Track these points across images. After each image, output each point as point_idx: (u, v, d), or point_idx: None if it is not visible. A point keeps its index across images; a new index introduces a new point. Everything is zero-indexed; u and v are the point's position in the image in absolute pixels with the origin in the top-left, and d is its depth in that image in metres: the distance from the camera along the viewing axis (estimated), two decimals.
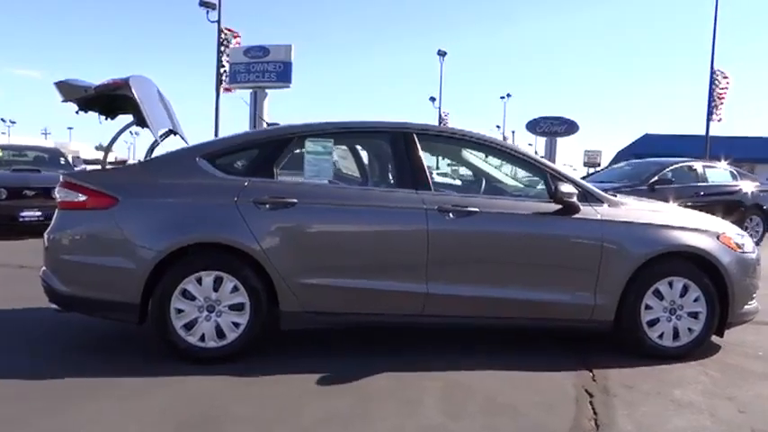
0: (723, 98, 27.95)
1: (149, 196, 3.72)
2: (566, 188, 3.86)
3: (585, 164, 39.37)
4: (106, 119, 4.64)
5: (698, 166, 11.27)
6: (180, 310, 3.67)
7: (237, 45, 22.79)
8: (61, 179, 3.84)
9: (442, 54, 44.63)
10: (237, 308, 3.71)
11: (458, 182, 4.22)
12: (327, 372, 3.61)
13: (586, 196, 4.02)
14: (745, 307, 4.20)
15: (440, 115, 44.82)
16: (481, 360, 3.90)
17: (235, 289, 3.70)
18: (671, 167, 10.78)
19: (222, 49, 22.94)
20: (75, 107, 4.30)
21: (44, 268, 3.84)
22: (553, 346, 4.26)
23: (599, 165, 36.08)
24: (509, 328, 4.13)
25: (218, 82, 22.88)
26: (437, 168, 7.39)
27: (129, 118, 4.39)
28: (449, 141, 4.24)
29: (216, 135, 23.17)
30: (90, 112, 4.33)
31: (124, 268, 3.64)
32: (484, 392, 3.41)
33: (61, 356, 3.81)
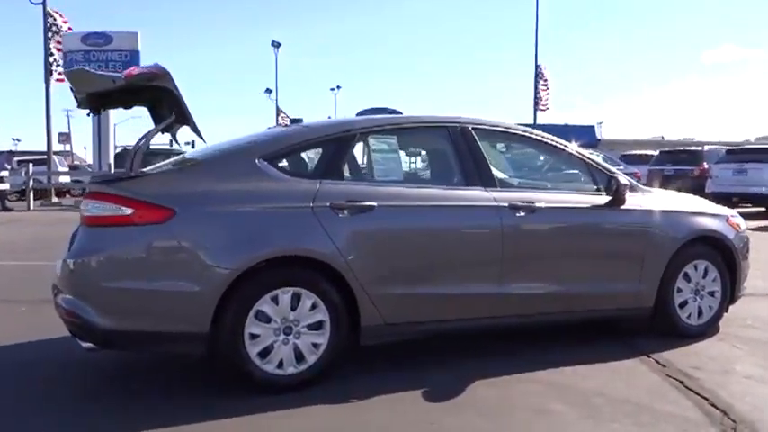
0: (547, 89, 30.71)
1: (212, 205, 3.15)
2: (623, 180, 3.95)
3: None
4: (92, 114, 3.89)
5: None
6: (254, 335, 3.17)
7: (70, 30, 20.34)
8: (89, 190, 3.13)
9: (276, 45, 43.91)
10: (316, 327, 3.30)
11: (513, 177, 4.09)
12: (426, 385, 3.34)
13: (632, 187, 4.15)
14: (744, 282, 4.64)
15: (277, 108, 44.04)
16: (550, 357, 3.86)
17: (313, 306, 3.28)
18: None
19: (50, 35, 20.35)
20: (82, 105, 3.54)
21: (67, 297, 3.11)
22: (599, 337, 4.33)
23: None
24: (565, 323, 4.13)
25: (48, 72, 20.27)
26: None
27: (122, 113, 3.69)
28: (500, 136, 4.11)
29: (48, 130, 20.60)
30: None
31: (188, 292, 3.05)
32: (589, 390, 3.37)
33: (117, 402, 3.13)
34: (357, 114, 3.96)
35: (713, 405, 3.19)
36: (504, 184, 3.83)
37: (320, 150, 3.52)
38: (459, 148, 3.76)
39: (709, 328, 4.42)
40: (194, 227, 3.08)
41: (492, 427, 2.92)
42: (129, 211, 3.02)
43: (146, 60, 18.73)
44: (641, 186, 4.34)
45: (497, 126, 4.00)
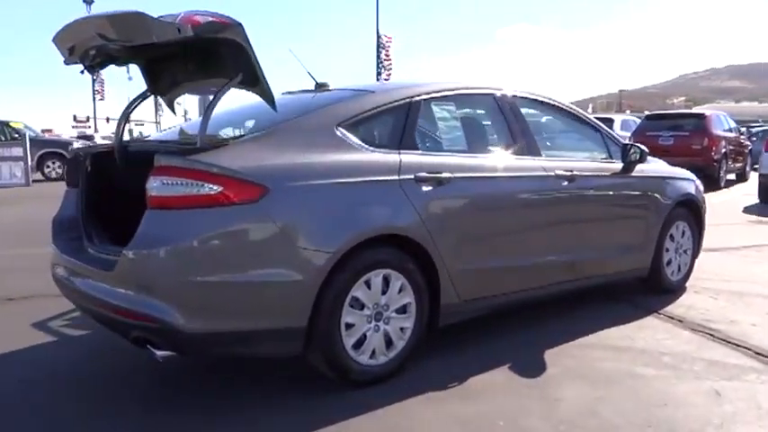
0: (389, 58, 31.25)
1: (303, 179, 2.71)
2: (640, 148, 4.13)
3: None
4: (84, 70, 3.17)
5: None
6: (350, 325, 2.85)
7: None
8: (159, 163, 2.53)
9: (88, 2, 39.63)
10: (402, 310, 3.05)
11: (548, 146, 4.04)
12: (511, 365, 3.24)
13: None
14: None
15: (93, 80, 39.92)
16: (578, 327, 3.93)
17: (401, 288, 3.02)
18: None
19: None
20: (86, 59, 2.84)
21: (131, 297, 2.52)
22: (602, 300, 4.51)
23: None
24: (586, 289, 4.22)
25: None
26: None
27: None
28: (532, 104, 4.03)
29: None
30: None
31: (288, 281, 2.63)
32: (646, 349, 3.51)
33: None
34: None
35: (759, 353, 3.49)
36: (545, 153, 3.79)
37: (390, 117, 3.20)
38: (507, 117, 3.66)
39: (684, 283, 4.85)
40: (290, 205, 2.65)
41: (596, 395, 2.92)
42: (216, 188, 2.51)
43: None
44: None
45: (530, 95, 3.93)
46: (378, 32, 30.58)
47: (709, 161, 12.92)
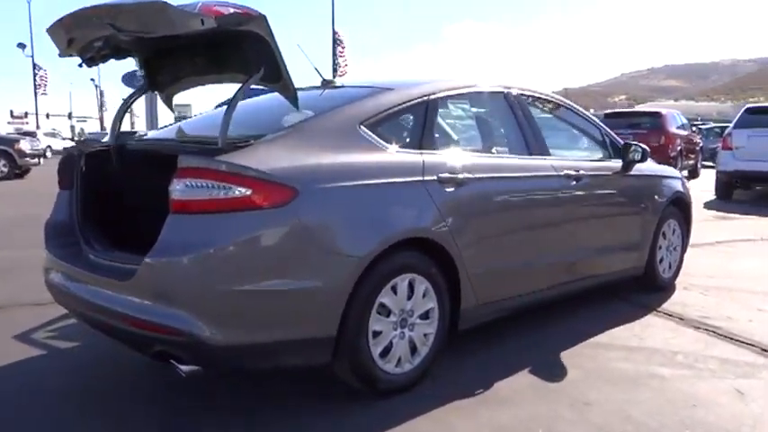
0: (343, 55, 31.08)
1: (330, 180, 2.58)
2: (642, 148, 4.14)
3: (177, 118, 39.59)
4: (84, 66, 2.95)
5: None
6: (377, 333, 2.74)
7: None
8: (183, 164, 2.36)
9: None
10: (425, 316, 2.96)
11: (553, 145, 3.99)
12: (531, 370, 3.19)
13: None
14: None
15: (33, 65, 38.39)
16: (582, 327, 3.92)
17: (424, 293, 2.92)
18: None
19: None
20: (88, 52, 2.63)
21: (154, 308, 2.34)
22: (599, 299, 4.51)
23: (189, 117, 36.99)
24: (589, 288, 4.21)
25: None
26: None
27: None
28: (537, 102, 3.98)
29: None
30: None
31: (319, 288, 2.49)
32: (658, 349, 3.52)
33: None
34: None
35: (765, 350, 3.55)
36: (553, 153, 3.76)
37: (410, 116, 3.09)
38: (518, 115, 3.60)
39: (674, 280, 4.91)
40: (319, 208, 2.51)
41: (624, 397, 2.90)
42: (245, 191, 2.35)
43: None
44: None
45: (534, 92, 3.89)
46: (333, 30, 30.35)
47: (667, 158, 13.26)
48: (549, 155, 3.67)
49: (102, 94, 60.44)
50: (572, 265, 3.80)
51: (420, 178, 2.88)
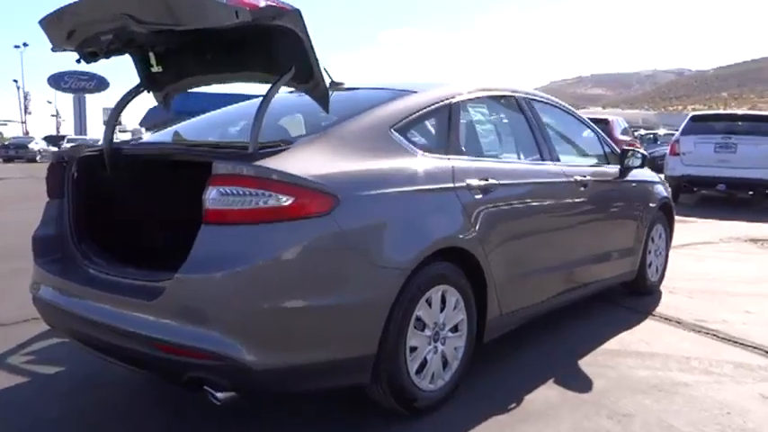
0: None
1: (371, 187, 2.40)
2: (641, 153, 4.15)
3: (105, 122, 38.28)
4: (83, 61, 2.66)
5: None
6: (413, 349, 2.58)
7: None
8: (218, 171, 2.13)
9: None
10: (455, 329, 2.82)
11: (560, 150, 3.93)
12: (537, 386, 3.07)
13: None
14: None
15: None
16: (586, 333, 3.87)
17: (455, 305, 2.79)
18: None
19: None
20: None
21: (186, 330, 2.10)
22: (593, 304, 4.49)
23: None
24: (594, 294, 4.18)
25: None
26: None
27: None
28: (543, 107, 3.89)
29: None
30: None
31: (362, 302, 2.31)
32: (669, 354, 3.51)
33: None
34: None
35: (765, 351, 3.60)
36: (561, 158, 3.70)
37: (435, 120, 2.95)
38: (530, 120, 3.53)
39: (660, 284, 4.97)
40: (360, 217, 2.34)
41: (660, 406, 2.85)
42: (287, 199, 2.15)
43: None
44: None
45: (539, 97, 3.82)
46: None
47: None
48: (558, 160, 3.61)
49: (26, 96, 57.36)
50: (582, 270, 3.76)
51: (451, 185, 2.74)
